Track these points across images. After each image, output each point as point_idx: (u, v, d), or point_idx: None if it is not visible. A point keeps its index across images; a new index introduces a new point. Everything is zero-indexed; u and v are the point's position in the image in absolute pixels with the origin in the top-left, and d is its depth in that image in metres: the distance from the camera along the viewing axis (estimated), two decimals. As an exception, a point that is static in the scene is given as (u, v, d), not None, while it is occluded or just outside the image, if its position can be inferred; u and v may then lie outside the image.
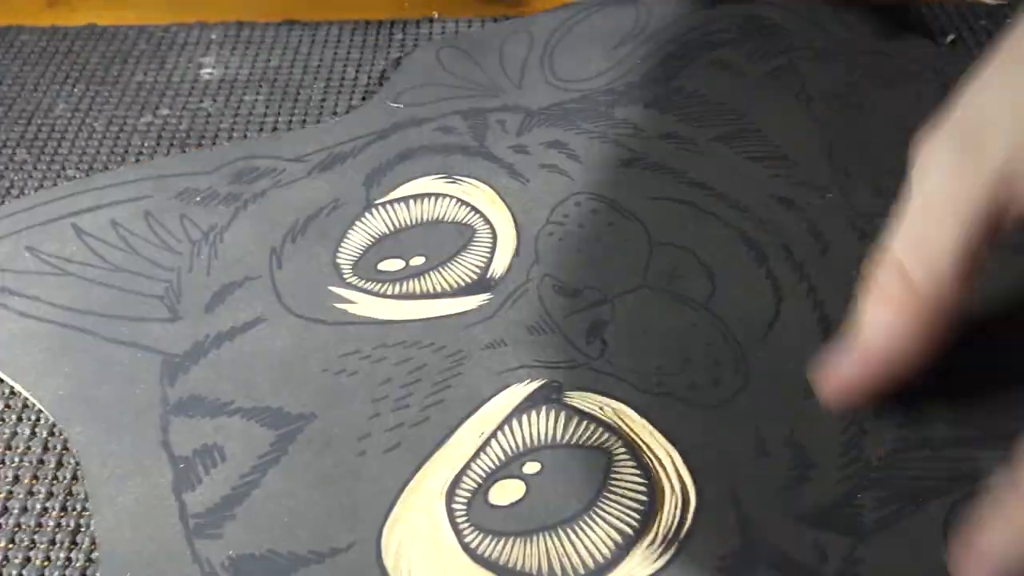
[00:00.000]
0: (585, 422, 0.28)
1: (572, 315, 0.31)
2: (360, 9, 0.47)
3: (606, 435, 0.28)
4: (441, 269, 0.33)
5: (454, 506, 0.26)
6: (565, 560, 0.25)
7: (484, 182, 0.36)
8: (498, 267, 0.33)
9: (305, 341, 0.31)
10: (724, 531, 0.25)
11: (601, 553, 0.25)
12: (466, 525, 0.26)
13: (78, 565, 0.27)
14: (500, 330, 0.31)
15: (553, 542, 0.26)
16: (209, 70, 0.45)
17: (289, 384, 0.30)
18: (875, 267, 0.26)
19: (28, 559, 0.28)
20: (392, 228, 0.34)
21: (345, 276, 0.33)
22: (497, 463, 0.27)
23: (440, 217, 0.35)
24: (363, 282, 0.33)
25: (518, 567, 0.25)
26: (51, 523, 0.29)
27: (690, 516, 0.26)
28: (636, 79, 0.40)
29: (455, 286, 0.32)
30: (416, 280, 0.33)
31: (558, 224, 0.34)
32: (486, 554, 0.25)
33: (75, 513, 0.29)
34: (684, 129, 0.38)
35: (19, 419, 0.31)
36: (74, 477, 0.29)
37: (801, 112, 0.38)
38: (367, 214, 0.35)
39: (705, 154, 0.36)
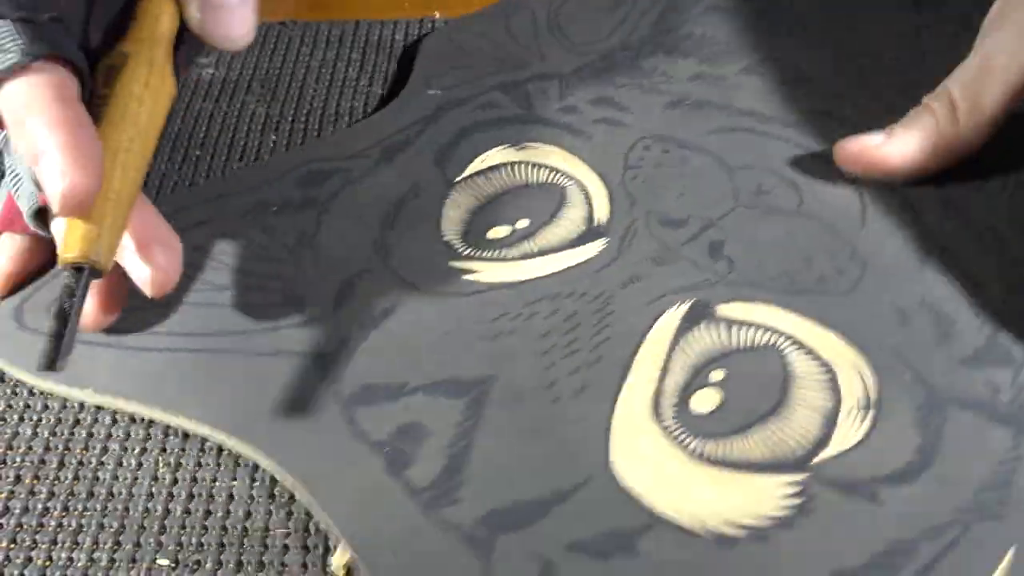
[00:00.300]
0: (744, 328, 0.30)
1: (688, 242, 0.33)
2: (360, 9, 0.47)
3: (768, 334, 0.30)
4: (548, 227, 0.34)
5: (665, 424, 0.28)
6: (784, 444, 0.27)
7: (550, 144, 0.37)
8: (600, 215, 0.34)
9: (448, 316, 0.31)
10: (904, 389, 0.28)
11: (812, 431, 0.27)
12: (685, 436, 0.28)
13: (80, 565, 0.27)
14: (629, 268, 0.32)
15: (766, 431, 0.28)
16: (209, 70, 0.44)
17: (453, 356, 0.30)
18: (930, 96, 0.34)
19: (30, 559, 0.28)
20: (483, 200, 0.35)
21: (460, 251, 0.34)
22: (685, 379, 0.29)
23: (525, 182, 0.36)
24: (479, 252, 0.33)
25: (745, 459, 0.27)
26: (53, 523, 0.28)
27: (871, 382, 0.29)
28: (647, 33, 0.43)
29: (569, 239, 0.34)
30: (529, 241, 0.34)
31: (636, 167, 0.36)
32: (713, 456, 0.27)
33: (77, 513, 0.28)
34: (709, 68, 0.41)
35: (21, 419, 0.31)
36: (76, 478, 0.29)
37: (802, 37, 0.42)
38: (452, 192, 0.36)
39: (738, 87, 0.40)
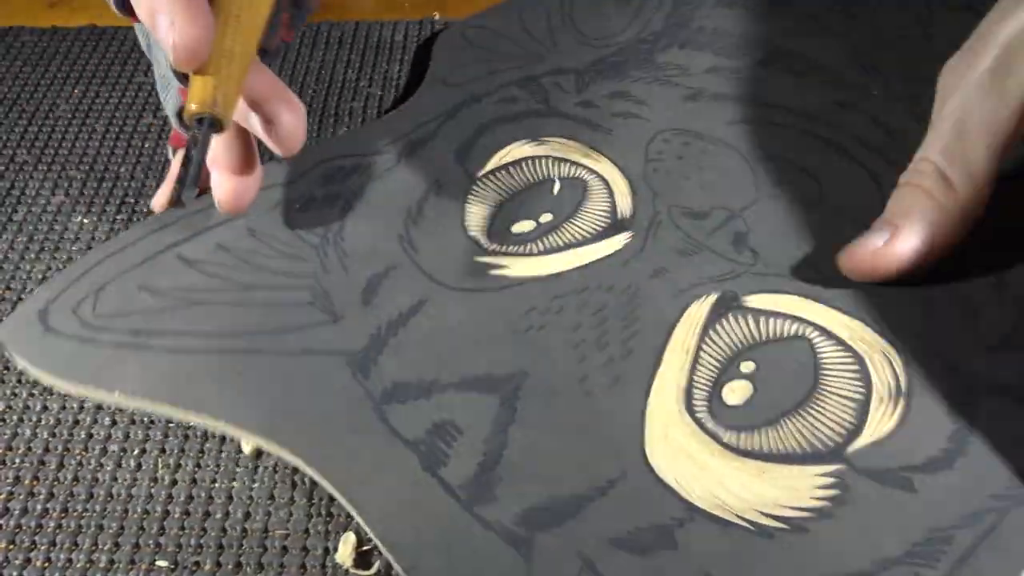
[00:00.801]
0: (772, 319, 0.30)
1: (713, 233, 0.33)
2: (360, 9, 0.47)
3: (795, 324, 0.30)
4: (572, 221, 0.34)
5: (698, 415, 0.28)
6: (818, 433, 0.27)
7: (570, 138, 0.37)
8: (623, 208, 0.34)
9: (477, 311, 0.31)
10: (934, 377, 0.29)
11: (845, 421, 0.28)
12: (718, 428, 0.28)
13: (78, 567, 0.27)
14: (656, 260, 0.33)
15: (799, 421, 0.28)
16: None
17: (484, 351, 0.30)
18: (914, 170, 0.31)
19: (28, 560, 0.28)
20: (506, 194, 0.35)
21: (484, 246, 0.34)
22: (715, 370, 0.29)
23: (546, 176, 0.36)
24: (504, 247, 0.33)
25: (779, 450, 0.27)
26: (52, 524, 0.29)
27: (900, 371, 0.29)
28: (660, 27, 0.43)
29: (593, 232, 0.34)
30: (553, 235, 0.34)
31: (657, 160, 0.36)
32: (747, 447, 0.27)
33: (76, 514, 0.29)
34: (724, 62, 0.41)
35: (20, 420, 0.31)
36: (75, 479, 0.29)
37: (815, 27, 0.42)
38: (475, 187, 0.36)
39: (754, 79, 0.40)
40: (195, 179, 0.30)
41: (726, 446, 0.27)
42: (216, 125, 0.30)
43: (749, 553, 0.25)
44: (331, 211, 0.35)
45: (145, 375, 0.30)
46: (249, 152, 0.33)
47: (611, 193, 0.35)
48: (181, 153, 0.34)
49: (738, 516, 0.26)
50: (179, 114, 0.33)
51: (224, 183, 0.33)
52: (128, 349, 0.31)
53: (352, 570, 0.27)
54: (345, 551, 0.27)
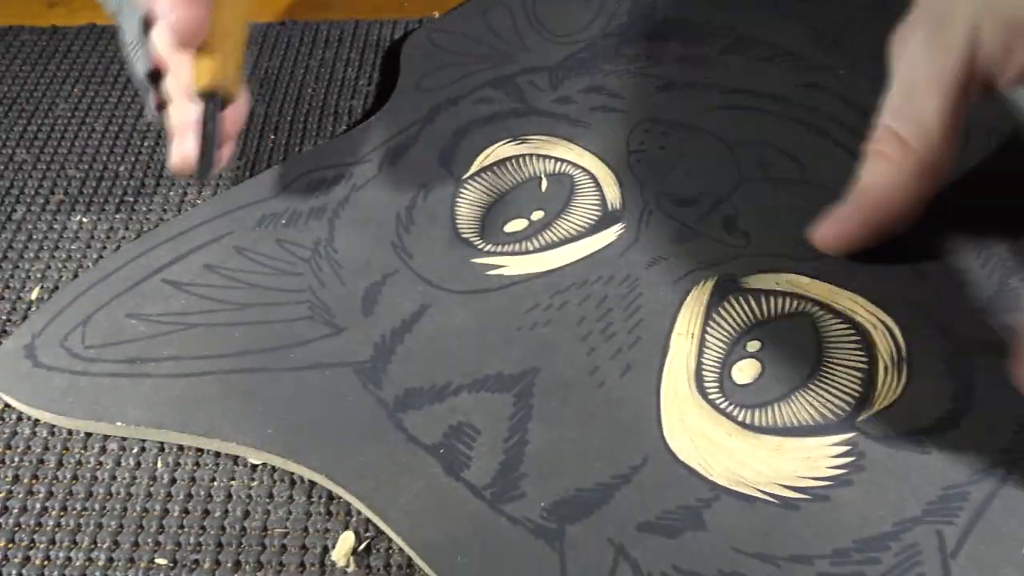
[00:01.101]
0: (772, 297, 0.31)
1: (703, 219, 0.34)
2: (360, 9, 0.47)
3: (795, 301, 0.31)
4: (564, 216, 0.34)
5: (711, 396, 0.28)
6: (829, 404, 0.28)
7: (550, 135, 0.38)
8: (613, 200, 0.35)
9: (480, 312, 0.31)
10: (931, 341, 0.30)
11: (854, 389, 0.28)
12: (731, 407, 0.28)
13: (78, 565, 0.27)
14: (651, 249, 0.33)
15: (809, 395, 0.28)
16: None
17: (492, 351, 0.30)
18: (872, 137, 0.31)
19: (28, 558, 0.28)
20: (494, 195, 0.35)
21: (479, 246, 0.34)
22: (723, 351, 0.30)
23: (532, 174, 0.36)
24: (499, 247, 0.33)
25: (792, 423, 0.28)
26: (51, 523, 0.28)
27: (899, 336, 0.30)
28: (624, 20, 0.43)
29: (586, 226, 0.34)
30: (547, 231, 0.34)
31: (640, 151, 0.37)
32: (761, 423, 0.28)
33: (75, 513, 0.29)
34: (692, 50, 0.41)
35: (19, 418, 0.31)
36: (74, 477, 0.29)
37: (775, 12, 0.43)
38: (462, 190, 0.36)
39: (723, 65, 0.40)
40: (211, 156, 0.31)
41: (741, 424, 0.28)
42: (224, 101, 0.32)
43: (776, 526, 0.26)
44: (318, 223, 0.35)
45: (147, 403, 0.30)
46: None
47: (599, 186, 0.35)
48: (176, 110, 0.34)
49: (761, 491, 0.26)
50: (150, 76, 0.34)
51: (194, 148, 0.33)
52: (125, 378, 0.30)
53: (349, 569, 0.27)
54: (342, 550, 0.27)
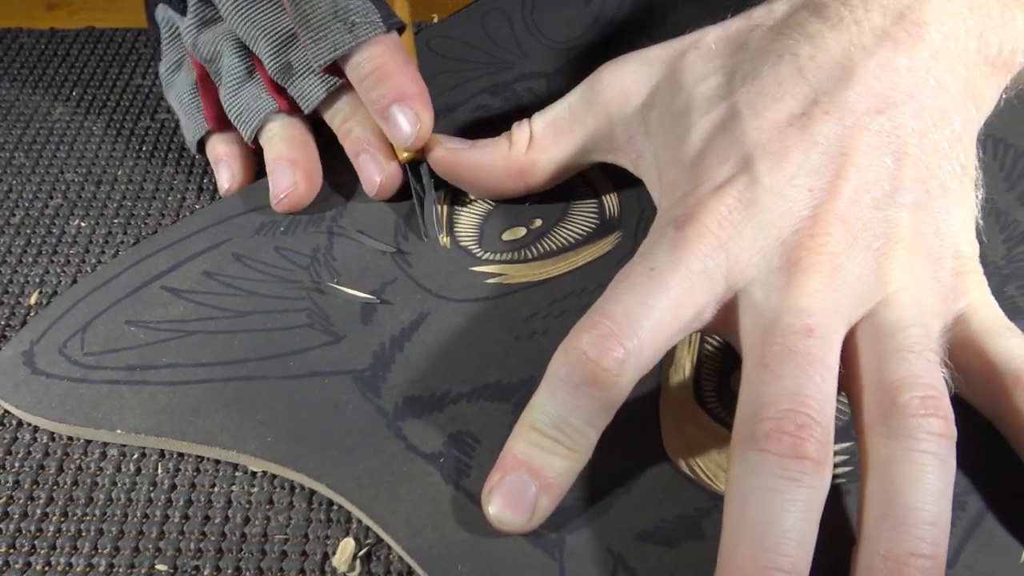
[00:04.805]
0: (768, 306, 0.31)
1: (701, 227, 0.34)
2: None
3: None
4: (561, 224, 0.34)
5: (710, 406, 0.29)
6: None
7: (548, 142, 0.38)
8: (611, 207, 0.35)
9: (479, 320, 0.31)
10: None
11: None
12: (730, 416, 0.28)
13: (78, 570, 0.28)
14: (648, 257, 0.33)
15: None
16: None
17: (491, 359, 0.30)
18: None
19: (29, 564, 0.28)
20: (493, 203, 0.35)
21: (478, 255, 0.34)
22: (720, 360, 0.30)
23: (530, 182, 0.36)
24: (498, 255, 0.34)
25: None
26: (52, 528, 0.29)
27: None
28: (621, 27, 0.43)
29: (584, 234, 0.34)
30: (545, 239, 0.34)
31: (637, 159, 0.37)
32: (761, 433, 0.28)
33: (76, 518, 0.29)
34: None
35: (20, 424, 0.31)
36: (75, 483, 0.30)
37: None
38: (461, 198, 0.36)
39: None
40: (431, 216, 0.34)
41: (740, 434, 0.28)
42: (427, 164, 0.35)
43: (774, 536, 0.26)
44: (317, 231, 0.35)
45: (147, 411, 0.30)
46: (316, 158, 0.36)
47: (596, 193, 0.36)
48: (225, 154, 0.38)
49: (759, 501, 0.27)
50: (200, 143, 0.38)
51: (299, 183, 0.35)
52: (124, 386, 0.30)
53: (349, 575, 0.27)
54: (343, 557, 0.27)
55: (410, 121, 0.33)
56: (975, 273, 0.27)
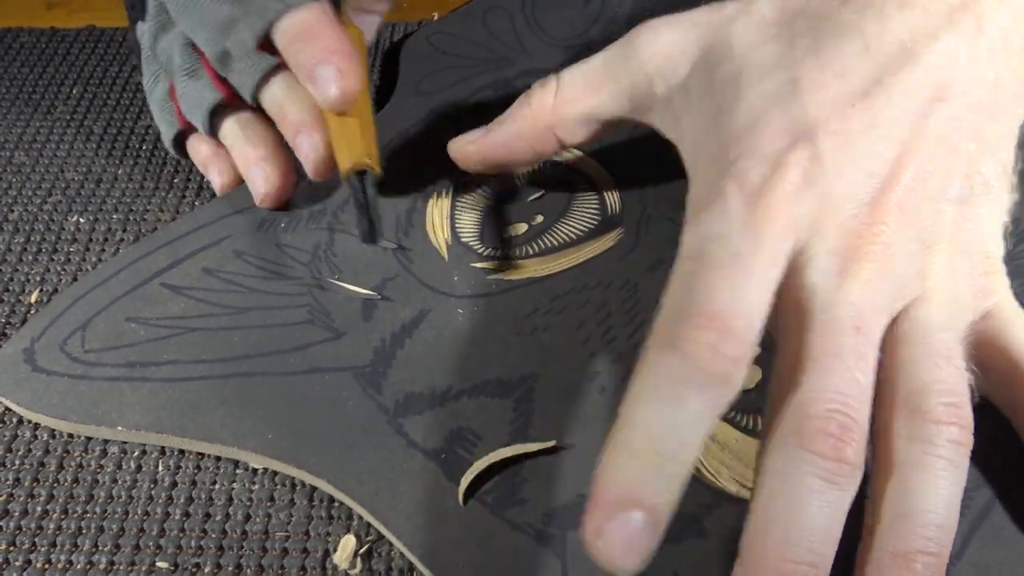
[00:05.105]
0: (771, 302, 0.31)
1: (703, 223, 0.34)
2: None
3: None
4: (563, 221, 0.34)
5: (712, 402, 0.28)
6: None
7: (550, 139, 0.37)
8: (612, 204, 0.35)
9: (481, 316, 0.31)
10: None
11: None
12: (733, 413, 0.28)
13: (79, 568, 0.28)
14: (650, 253, 0.33)
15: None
16: None
17: (492, 356, 0.30)
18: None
19: (29, 562, 0.28)
20: (494, 199, 0.35)
21: (480, 251, 0.33)
22: (723, 357, 0.29)
23: (532, 179, 0.36)
24: (499, 251, 0.33)
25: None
26: (52, 526, 0.29)
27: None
28: (624, 22, 0.43)
29: (585, 230, 0.34)
30: (547, 236, 0.34)
31: (638, 154, 0.37)
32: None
33: (76, 516, 0.29)
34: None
35: (20, 421, 0.31)
36: (75, 480, 0.29)
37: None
38: (462, 194, 0.36)
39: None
40: (371, 228, 0.32)
41: (744, 429, 0.28)
42: (369, 175, 0.32)
43: (777, 532, 0.26)
44: (317, 227, 0.35)
45: (147, 408, 0.29)
46: (280, 146, 0.36)
47: (597, 190, 0.35)
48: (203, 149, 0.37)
49: (762, 497, 0.26)
50: (175, 139, 0.37)
51: (269, 175, 0.35)
52: (124, 383, 0.30)
53: (351, 572, 0.27)
54: (344, 554, 0.27)
55: (334, 79, 0.32)
56: (1000, 273, 0.27)
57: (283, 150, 0.35)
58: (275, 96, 0.34)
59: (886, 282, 0.25)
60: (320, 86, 0.32)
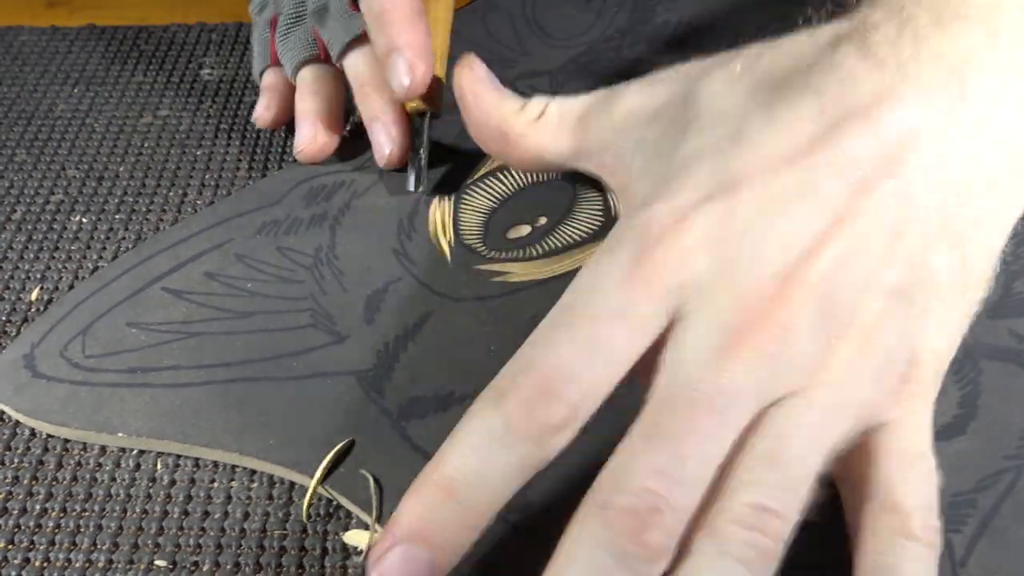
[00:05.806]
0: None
1: (706, 225, 0.34)
2: None
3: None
4: (567, 222, 0.34)
5: (718, 404, 0.28)
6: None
7: (552, 140, 0.37)
8: (616, 205, 0.35)
9: (485, 319, 0.31)
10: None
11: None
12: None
13: (77, 566, 0.27)
14: (654, 255, 0.33)
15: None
16: (209, 70, 0.44)
17: (497, 359, 0.29)
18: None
19: (27, 560, 0.28)
20: (497, 201, 0.35)
21: (483, 253, 0.33)
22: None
23: (535, 180, 0.36)
24: (503, 253, 0.33)
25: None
26: (51, 524, 0.28)
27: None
28: (624, 24, 0.43)
29: (591, 232, 0.34)
30: (551, 237, 0.34)
31: (641, 157, 0.37)
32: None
33: (74, 514, 0.29)
34: (694, 54, 0.41)
35: (19, 420, 0.31)
36: (74, 479, 0.29)
37: (776, 14, 0.43)
38: (465, 196, 0.35)
39: (725, 69, 0.40)
40: (423, 171, 0.35)
41: (749, 432, 0.28)
42: (434, 115, 0.35)
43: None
44: (319, 230, 0.34)
45: (149, 413, 0.29)
46: (341, 111, 0.38)
47: (601, 191, 0.35)
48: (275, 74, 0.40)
49: (768, 500, 0.26)
50: (262, 70, 0.40)
51: (318, 135, 0.37)
52: (126, 388, 0.30)
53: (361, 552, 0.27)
54: (357, 536, 0.27)
55: (405, 73, 0.33)
56: (922, 385, 0.23)
57: (339, 113, 0.38)
58: (356, 66, 0.36)
59: (771, 370, 0.22)
60: (390, 74, 0.33)
